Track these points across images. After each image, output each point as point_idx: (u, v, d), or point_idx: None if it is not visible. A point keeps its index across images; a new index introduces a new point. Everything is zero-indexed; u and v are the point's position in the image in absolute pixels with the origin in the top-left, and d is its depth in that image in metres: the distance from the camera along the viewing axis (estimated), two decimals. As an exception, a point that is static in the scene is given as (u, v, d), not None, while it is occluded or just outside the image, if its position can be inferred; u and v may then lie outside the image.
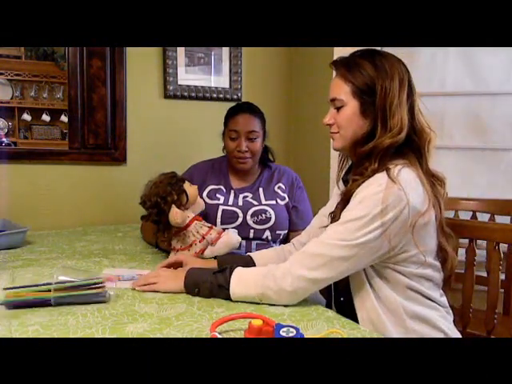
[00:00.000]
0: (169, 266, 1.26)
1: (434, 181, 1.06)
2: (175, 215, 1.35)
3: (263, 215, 1.61)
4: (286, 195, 1.68)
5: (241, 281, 1.05)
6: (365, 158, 1.05)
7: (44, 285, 1.03)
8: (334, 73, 1.12)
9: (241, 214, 1.60)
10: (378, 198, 0.96)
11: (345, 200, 1.05)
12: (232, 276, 1.05)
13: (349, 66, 1.06)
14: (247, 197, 1.66)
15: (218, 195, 1.65)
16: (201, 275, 1.10)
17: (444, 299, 1.10)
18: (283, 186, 1.70)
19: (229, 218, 1.60)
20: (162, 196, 1.38)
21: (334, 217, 1.09)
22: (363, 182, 1.01)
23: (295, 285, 1.00)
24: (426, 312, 1.04)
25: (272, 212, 1.61)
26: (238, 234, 1.53)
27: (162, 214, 1.39)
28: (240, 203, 1.64)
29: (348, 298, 1.08)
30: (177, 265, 1.27)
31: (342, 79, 1.07)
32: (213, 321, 0.88)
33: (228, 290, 1.04)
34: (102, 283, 1.03)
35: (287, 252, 1.29)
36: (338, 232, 1.00)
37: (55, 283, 1.00)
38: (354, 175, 1.07)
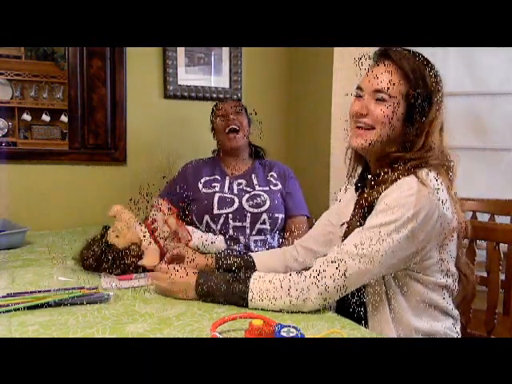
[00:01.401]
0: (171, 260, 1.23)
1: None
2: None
3: (258, 199, 1.65)
4: (278, 182, 1.74)
5: (261, 292, 0.99)
6: (388, 165, 1.01)
7: (42, 292, 1.03)
8: (376, 63, 1.05)
9: (236, 200, 1.64)
10: (411, 201, 0.92)
11: (365, 206, 1.01)
12: (250, 288, 0.99)
13: (409, 63, 1.00)
14: (241, 184, 1.71)
15: (213, 184, 1.70)
16: (215, 284, 1.02)
17: (456, 311, 1.08)
18: (275, 175, 1.76)
19: (225, 203, 1.63)
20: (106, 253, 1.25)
21: (351, 225, 1.05)
22: (387, 187, 0.98)
23: (322, 296, 0.96)
24: (435, 325, 1.02)
25: (266, 196, 1.66)
26: (235, 220, 1.59)
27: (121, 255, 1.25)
28: (235, 191, 1.69)
29: (357, 310, 1.04)
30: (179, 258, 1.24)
31: (397, 73, 1.01)
32: (213, 321, 0.88)
33: (246, 299, 0.99)
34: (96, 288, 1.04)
35: (290, 257, 1.26)
36: (368, 239, 0.95)
37: (53, 290, 1.01)
38: (376, 182, 1.02)
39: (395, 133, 1.02)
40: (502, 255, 1.25)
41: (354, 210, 1.11)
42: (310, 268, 1.01)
